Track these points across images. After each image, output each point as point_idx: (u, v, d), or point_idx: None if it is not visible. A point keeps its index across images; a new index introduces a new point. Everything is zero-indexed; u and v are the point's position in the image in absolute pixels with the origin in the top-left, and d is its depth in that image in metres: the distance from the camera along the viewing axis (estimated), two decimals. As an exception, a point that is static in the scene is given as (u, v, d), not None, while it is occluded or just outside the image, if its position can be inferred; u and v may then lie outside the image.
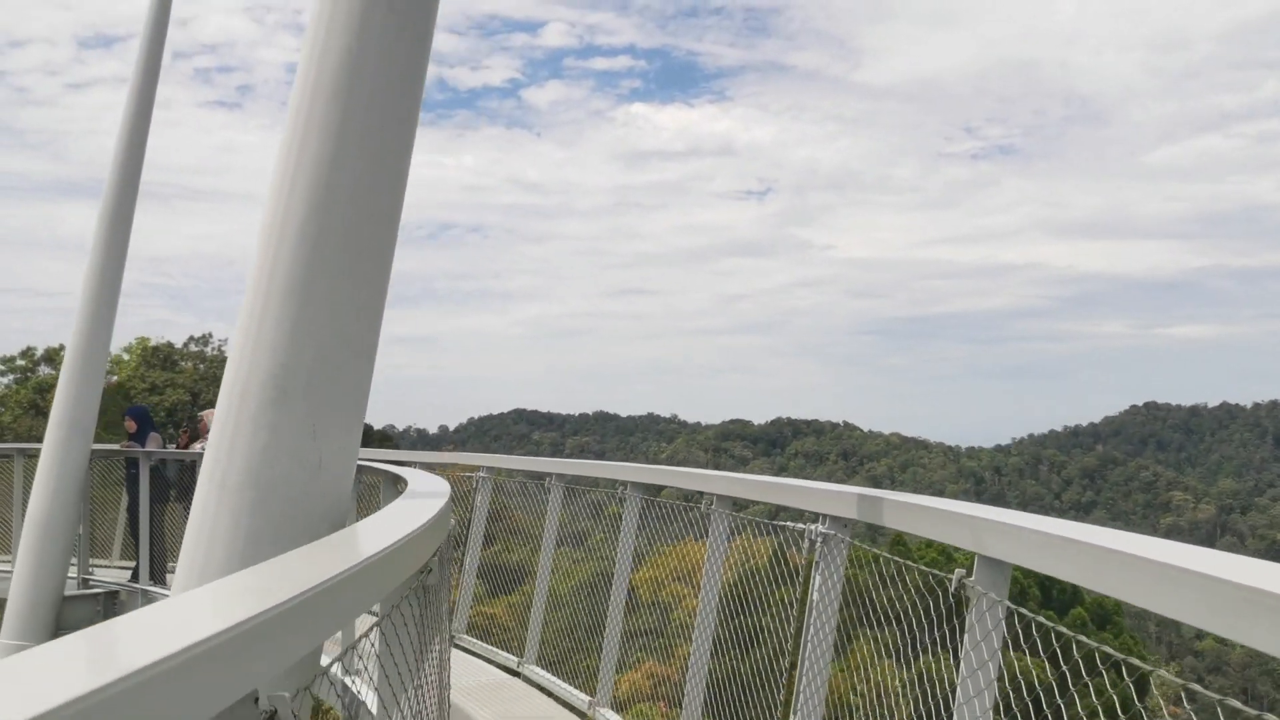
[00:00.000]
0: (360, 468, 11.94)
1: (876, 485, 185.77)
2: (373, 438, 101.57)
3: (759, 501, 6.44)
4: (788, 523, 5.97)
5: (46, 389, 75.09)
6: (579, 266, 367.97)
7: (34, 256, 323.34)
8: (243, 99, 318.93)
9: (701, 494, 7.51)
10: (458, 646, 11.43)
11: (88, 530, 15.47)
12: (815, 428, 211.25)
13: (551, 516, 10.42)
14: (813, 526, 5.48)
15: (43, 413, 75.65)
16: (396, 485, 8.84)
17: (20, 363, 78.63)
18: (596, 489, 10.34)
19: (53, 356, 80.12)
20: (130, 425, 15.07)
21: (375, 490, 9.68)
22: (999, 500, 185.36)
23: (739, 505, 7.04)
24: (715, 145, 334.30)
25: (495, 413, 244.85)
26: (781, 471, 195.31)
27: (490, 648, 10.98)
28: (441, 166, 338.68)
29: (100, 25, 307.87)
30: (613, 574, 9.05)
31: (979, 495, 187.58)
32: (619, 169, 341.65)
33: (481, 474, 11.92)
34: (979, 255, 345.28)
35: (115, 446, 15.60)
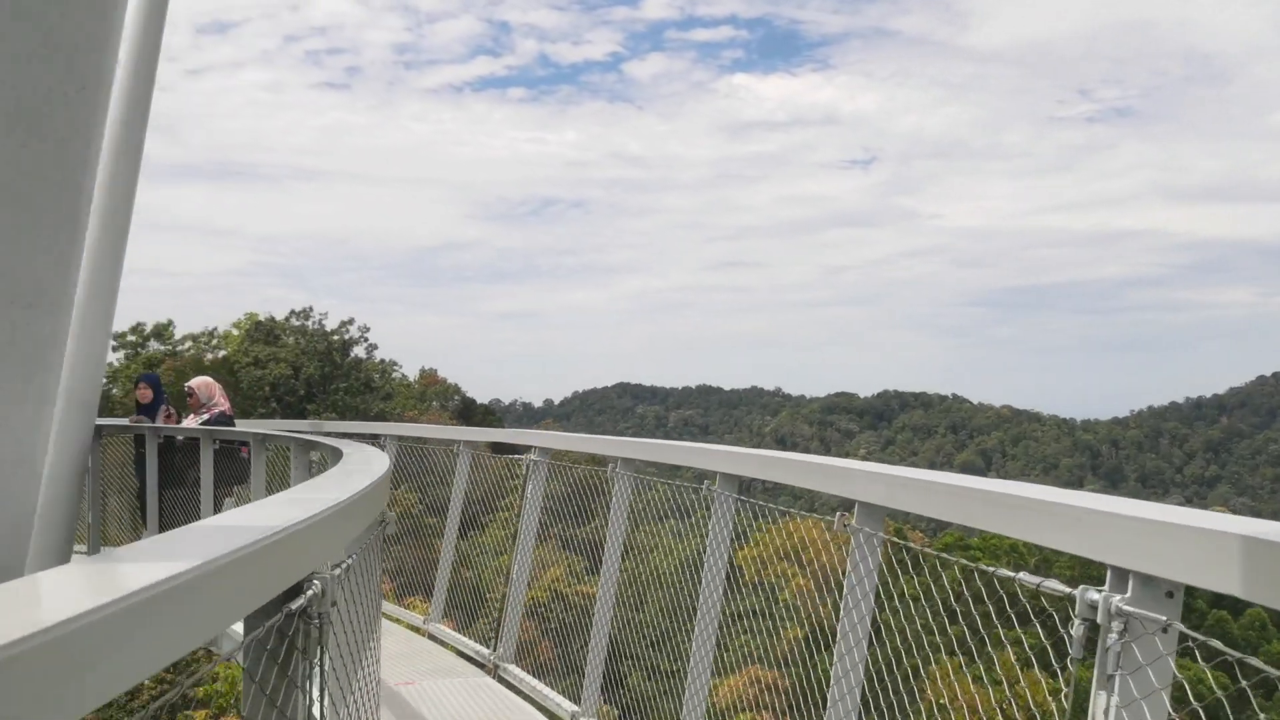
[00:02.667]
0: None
1: (988, 460, 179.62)
2: (475, 412, 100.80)
3: (943, 522, 3.37)
4: (1004, 571, 2.99)
5: (156, 364, 75.45)
6: (681, 239, 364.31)
7: (155, 238, 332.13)
8: (351, 80, 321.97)
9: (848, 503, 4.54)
10: (502, 681, 8.74)
11: (98, 520, 13.21)
12: (923, 400, 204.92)
13: (617, 516, 7.59)
14: (1086, 594, 2.52)
15: (152, 388, 76.11)
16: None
17: (131, 338, 79.15)
18: (675, 479, 7.50)
19: (161, 332, 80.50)
20: (144, 394, 12.71)
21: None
22: (1116, 475, 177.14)
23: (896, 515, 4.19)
24: (818, 115, 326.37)
25: (599, 386, 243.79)
26: (888, 446, 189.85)
27: (541, 688, 8.24)
28: (544, 142, 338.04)
29: (215, 12, 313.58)
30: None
31: (1095, 470, 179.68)
32: (721, 141, 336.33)
33: (533, 457, 9.17)
34: (1093, 222, 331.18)
35: (124, 421, 13.28)
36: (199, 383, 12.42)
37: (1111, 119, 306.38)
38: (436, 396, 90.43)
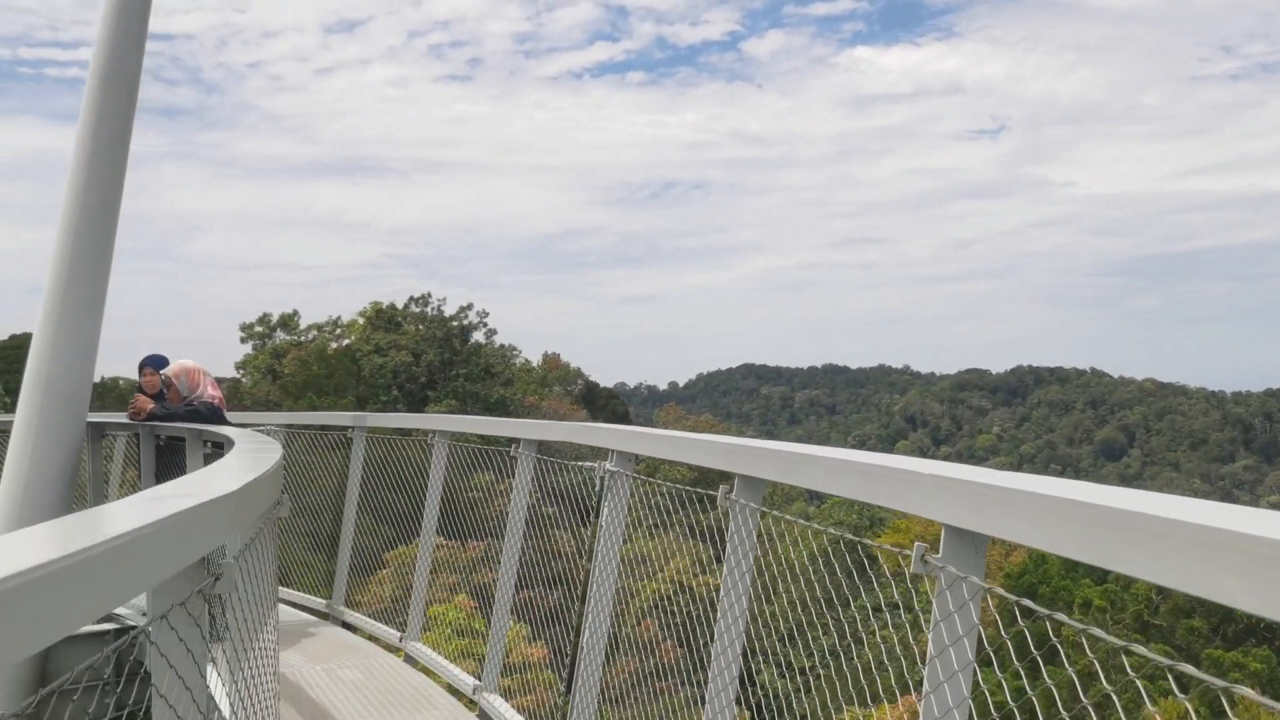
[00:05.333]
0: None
1: (1130, 437, 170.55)
2: (599, 396, 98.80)
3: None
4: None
5: (281, 354, 75.14)
6: (803, 217, 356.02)
7: (291, 233, 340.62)
8: (473, 72, 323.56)
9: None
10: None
11: (101, 537, 10.67)
12: (1059, 375, 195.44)
13: (736, 565, 4.50)
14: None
15: (279, 377, 75.71)
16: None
17: (258, 329, 79.22)
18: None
19: (287, 322, 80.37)
20: (153, 381, 9.97)
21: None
22: (1270, 449, 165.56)
23: None
24: (944, 85, 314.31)
25: (723, 368, 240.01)
26: (1023, 423, 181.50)
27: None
28: (663, 125, 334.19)
29: (342, 11, 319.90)
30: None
31: (1247, 444, 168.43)
32: (842, 116, 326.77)
33: (609, 466, 6.08)
34: (1240, 184, 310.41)
35: (121, 417, 10.62)
36: (177, 370, 9.55)
37: (1258, 75, 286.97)
38: (559, 381, 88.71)
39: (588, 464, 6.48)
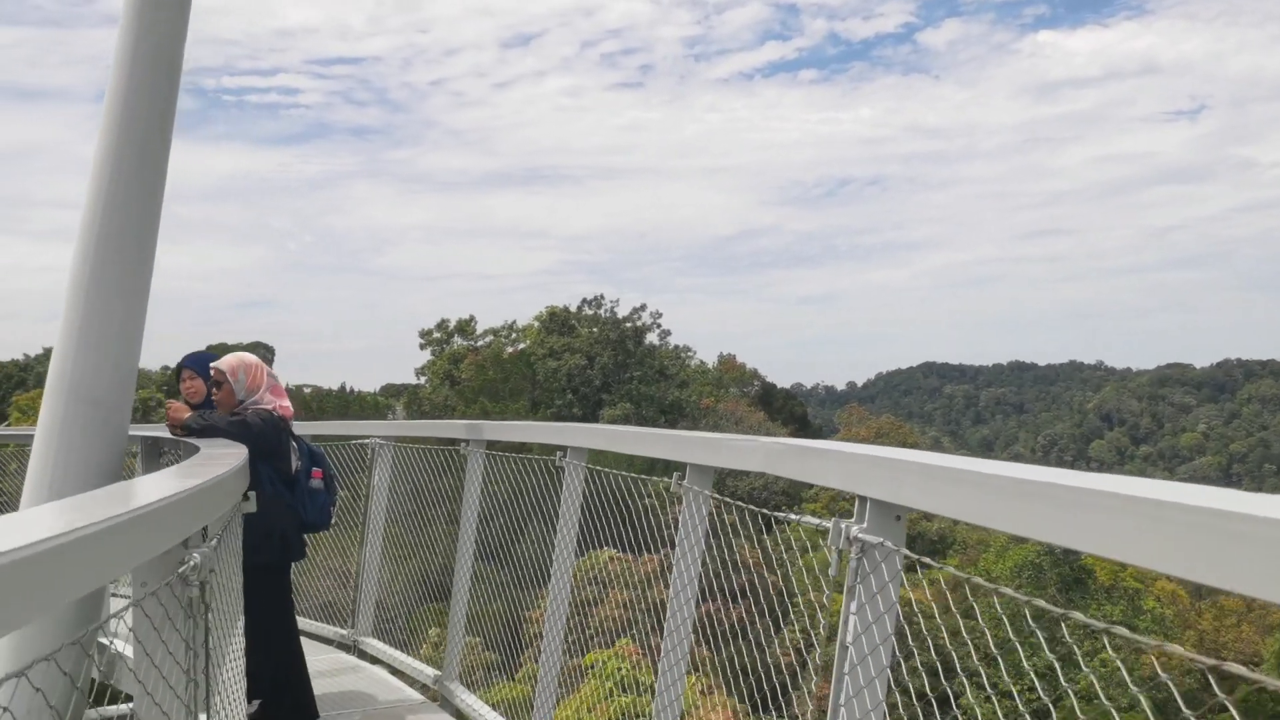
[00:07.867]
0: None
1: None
2: (776, 397, 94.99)
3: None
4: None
5: (459, 359, 74.57)
6: (986, 210, 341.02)
7: (474, 243, 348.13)
8: (644, 78, 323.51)
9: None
10: None
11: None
12: (1272, 368, 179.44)
13: None
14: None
15: (457, 383, 74.97)
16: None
17: (436, 335, 79.05)
18: None
19: (463, 327, 79.94)
20: (192, 386, 7.31)
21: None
22: None
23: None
24: (1136, 65, 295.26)
25: (903, 367, 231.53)
26: (1232, 420, 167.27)
27: None
28: (837, 122, 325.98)
29: (518, 25, 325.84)
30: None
31: None
32: (1026, 103, 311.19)
33: (859, 531, 3.06)
34: None
35: (159, 430, 8.06)
36: (233, 364, 6.86)
37: None
38: (735, 382, 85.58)
39: (788, 516, 3.47)
